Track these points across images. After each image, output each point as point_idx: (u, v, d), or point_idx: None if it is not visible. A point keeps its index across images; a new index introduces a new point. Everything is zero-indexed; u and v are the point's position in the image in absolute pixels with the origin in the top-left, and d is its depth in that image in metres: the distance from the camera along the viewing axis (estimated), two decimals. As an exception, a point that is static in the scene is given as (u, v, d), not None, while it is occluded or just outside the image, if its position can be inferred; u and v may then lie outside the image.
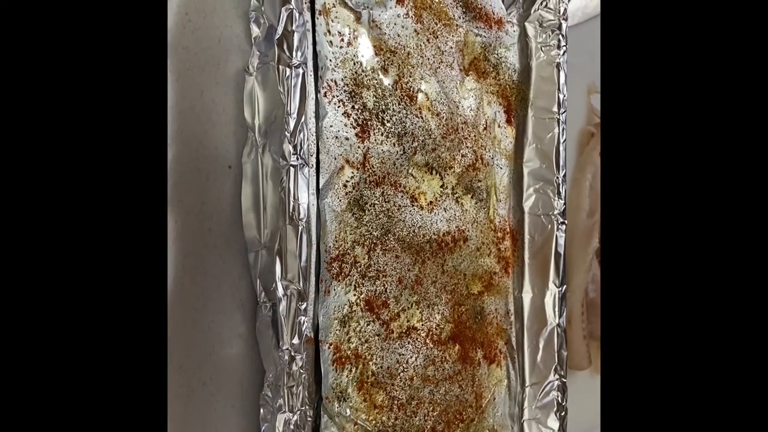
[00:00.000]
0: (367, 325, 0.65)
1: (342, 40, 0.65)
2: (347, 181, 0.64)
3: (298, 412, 0.58)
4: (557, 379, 0.76)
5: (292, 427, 0.58)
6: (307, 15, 0.62)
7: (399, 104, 0.68)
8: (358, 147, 0.65)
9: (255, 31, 0.59)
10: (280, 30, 0.57)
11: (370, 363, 0.65)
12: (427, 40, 0.71)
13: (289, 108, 0.57)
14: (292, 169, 0.57)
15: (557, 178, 0.77)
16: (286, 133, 0.57)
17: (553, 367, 0.76)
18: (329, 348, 0.62)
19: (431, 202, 0.70)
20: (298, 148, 0.58)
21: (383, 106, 0.67)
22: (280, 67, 0.57)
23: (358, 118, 0.65)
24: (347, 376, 0.63)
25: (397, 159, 0.68)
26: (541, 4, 0.78)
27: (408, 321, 0.68)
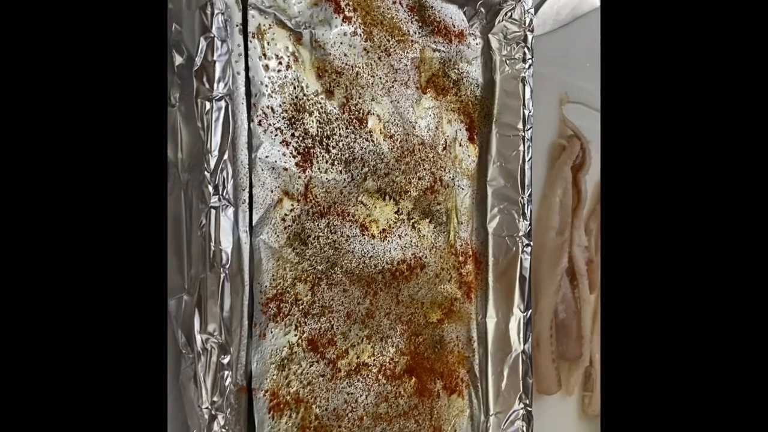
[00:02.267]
0: (310, 366, 0.58)
1: (280, 63, 0.57)
2: (286, 215, 0.57)
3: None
4: (522, 408, 0.69)
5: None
6: (239, 38, 0.54)
7: (347, 128, 0.60)
8: (299, 177, 0.57)
9: (178, 59, 0.52)
10: (198, 61, 0.50)
11: (314, 406, 0.58)
12: (379, 59, 0.63)
13: (209, 145, 0.49)
14: (212, 212, 0.50)
15: (522, 198, 0.69)
16: (206, 172, 0.49)
17: (518, 396, 0.69)
18: (264, 395, 0.55)
19: (384, 229, 0.63)
20: (220, 188, 0.50)
21: (328, 132, 0.59)
22: (199, 100, 0.50)
23: (299, 146, 0.58)
24: (286, 422, 0.56)
25: (345, 187, 0.60)
26: (506, 15, 0.70)
27: (358, 357, 0.60)
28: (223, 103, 0.50)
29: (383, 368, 0.62)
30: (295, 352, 0.57)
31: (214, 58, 0.50)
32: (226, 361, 0.50)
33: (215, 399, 0.49)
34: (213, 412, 0.49)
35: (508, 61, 0.70)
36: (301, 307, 0.58)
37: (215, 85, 0.50)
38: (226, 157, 0.50)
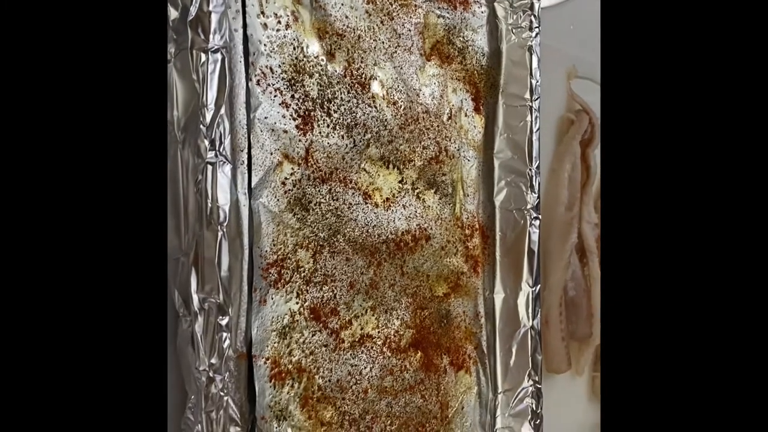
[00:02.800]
0: (312, 335, 0.55)
1: (279, 22, 0.55)
2: (287, 178, 0.55)
3: (219, 439, 0.48)
4: (531, 385, 0.66)
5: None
6: (236, -6, 0.52)
7: (348, 93, 0.58)
8: (299, 140, 0.55)
9: (173, 13, 0.49)
10: (193, 11, 0.48)
11: (316, 377, 0.55)
12: (381, 22, 0.61)
13: (204, 98, 0.47)
14: (209, 167, 0.47)
15: (530, 170, 0.66)
16: (201, 126, 0.47)
17: (527, 372, 0.66)
18: (265, 363, 0.53)
19: (388, 198, 0.60)
20: (217, 144, 0.48)
21: (329, 95, 0.57)
22: (194, 51, 0.47)
23: (299, 108, 0.55)
24: (288, 392, 0.54)
25: (347, 153, 0.58)
26: (511, -18, 0.68)
27: (362, 329, 0.58)
28: (219, 56, 0.48)
29: (388, 341, 0.60)
30: (297, 321, 0.55)
31: (210, 8, 0.48)
32: (224, 322, 0.48)
33: (213, 361, 0.47)
34: (211, 374, 0.47)
35: (514, 30, 0.68)
36: (302, 274, 0.55)
37: (211, 36, 0.48)
38: (222, 111, 0.48)
